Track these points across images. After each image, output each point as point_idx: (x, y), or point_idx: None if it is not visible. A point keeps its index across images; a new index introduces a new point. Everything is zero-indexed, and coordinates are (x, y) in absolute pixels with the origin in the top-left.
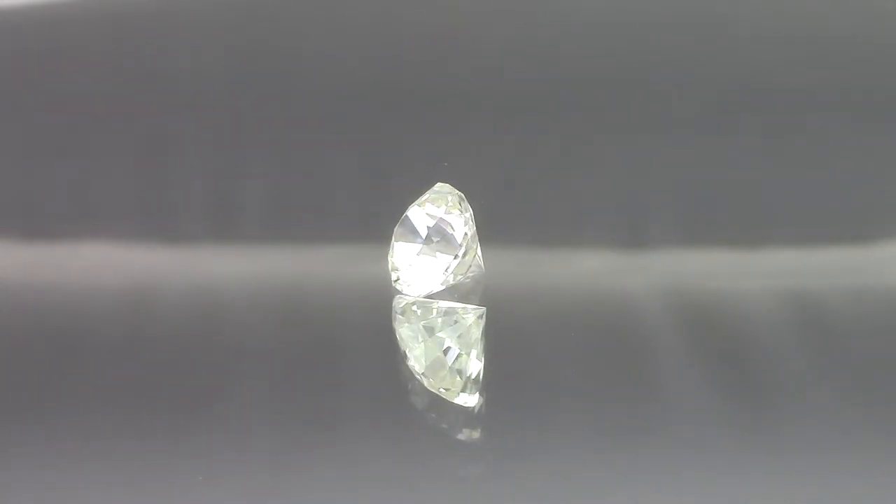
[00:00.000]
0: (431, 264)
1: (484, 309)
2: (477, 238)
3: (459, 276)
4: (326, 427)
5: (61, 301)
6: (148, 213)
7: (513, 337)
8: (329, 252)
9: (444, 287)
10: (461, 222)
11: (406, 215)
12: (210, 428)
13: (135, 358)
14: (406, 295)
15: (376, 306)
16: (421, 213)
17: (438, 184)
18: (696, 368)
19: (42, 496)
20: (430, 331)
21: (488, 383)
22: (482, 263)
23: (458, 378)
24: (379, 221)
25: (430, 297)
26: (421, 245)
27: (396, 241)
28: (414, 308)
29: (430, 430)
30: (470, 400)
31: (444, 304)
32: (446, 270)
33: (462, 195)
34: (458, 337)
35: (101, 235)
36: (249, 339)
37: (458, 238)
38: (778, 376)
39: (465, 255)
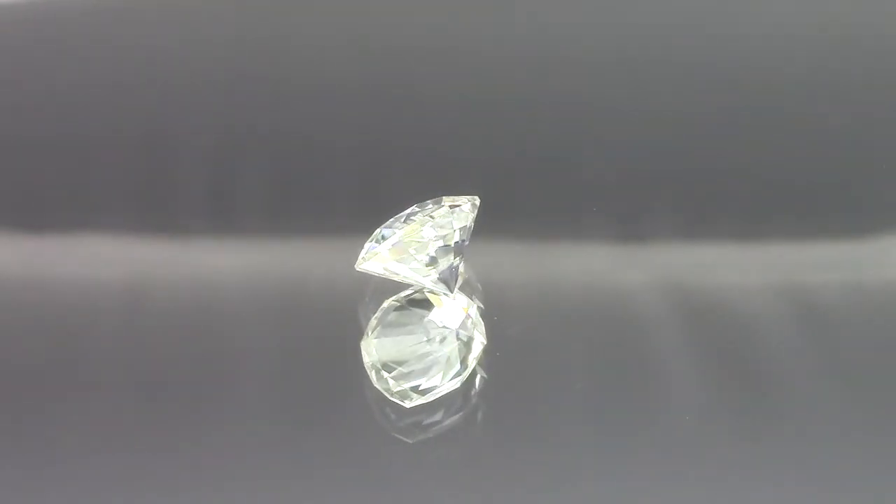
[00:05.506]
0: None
1: (481, 348)
2: (459, 258)
3: (398, 274)
4: (320, 422)
5: (58, 294)
6: (145, 206)
7: (509, 334)
8: (327, 245)
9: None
10: (435, 221)
11: None
12: (205, 420)
13: (131, 350)
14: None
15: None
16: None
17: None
18: (694, 363)
19: (39, 489)
20: (409, 320)
21: (485, 380)
22: (451, 283)
23: (395, 369)
24: (378, 215)
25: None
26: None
27: None
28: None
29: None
30: (407, 397)
31: (448, 318)
32: (372, 239)
33: (463, 221)
34: (440, 348)
35: (97, 228)
36: (246, 332)
37: (411, 224)
38: (776, 370)
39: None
